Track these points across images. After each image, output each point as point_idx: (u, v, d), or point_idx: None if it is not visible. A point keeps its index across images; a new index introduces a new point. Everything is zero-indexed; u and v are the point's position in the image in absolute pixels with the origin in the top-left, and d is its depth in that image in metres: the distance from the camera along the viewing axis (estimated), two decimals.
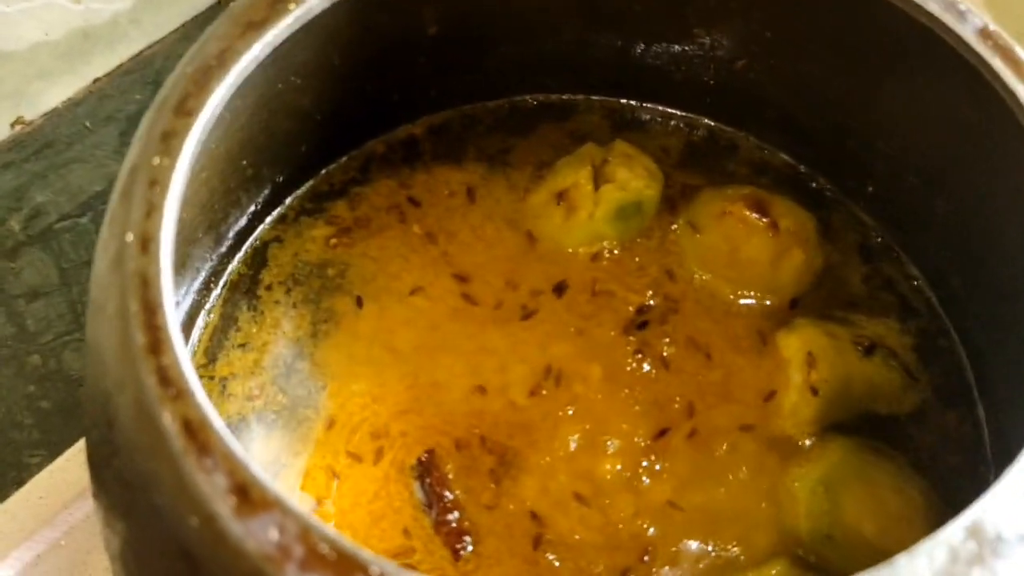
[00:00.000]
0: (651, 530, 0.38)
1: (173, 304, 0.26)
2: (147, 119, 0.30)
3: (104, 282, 0.27)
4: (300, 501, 0.37)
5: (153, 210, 0.27)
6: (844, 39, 0.39)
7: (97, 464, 0.28)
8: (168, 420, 0.24)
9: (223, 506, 0.23)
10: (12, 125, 0.65)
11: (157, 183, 0.27)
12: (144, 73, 0.70)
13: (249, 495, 0.23)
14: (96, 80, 0.71)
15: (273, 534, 0.23)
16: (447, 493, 0.37)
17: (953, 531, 0.23)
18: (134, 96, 0.69)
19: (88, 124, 0.69)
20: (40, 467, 0.49)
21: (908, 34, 0.34)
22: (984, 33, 0.31)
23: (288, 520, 0.23)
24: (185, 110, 0.29)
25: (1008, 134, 0.31)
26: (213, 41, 0.31)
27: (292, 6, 0.32)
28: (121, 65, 0.71)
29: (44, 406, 0.54)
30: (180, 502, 0.24)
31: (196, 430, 0.24)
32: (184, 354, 0.25)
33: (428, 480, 0.38)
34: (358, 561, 0.23)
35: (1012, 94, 0.30)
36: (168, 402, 0.24)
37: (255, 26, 0.31)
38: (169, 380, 0.24)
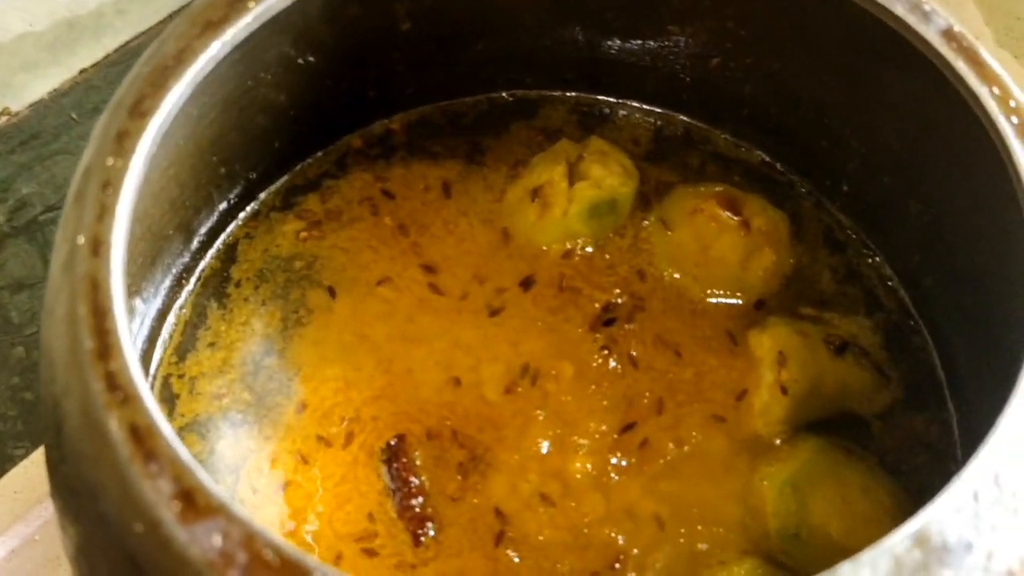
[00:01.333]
0: (621, 535, 0.38)
1: (124, 308, 0.26)
2: (102, 120, 0.30)
3: (55, 285, 0.27)
4: (268, 483, 0.37)
5: (105, 212, 0.27)
6: (815, 38, 0.39)
7: (50, 469, 0.28)
8: (115, 426, 0.24)
9: (167, 512, 0.23)
10: None
11: (110, 185, 0.27)
12: (131, 64, 0.70)
13: (194, 501, 0.23)
14: (82, 71, 0.71)
15: (217, 540, 0.23)
16: (413, 479, 0.37)
17: (898, 539, 0.23)
18: None
19: (74, 115, 0.69)
20: (24, 458, 0.49)
21: (876, 35, 0.34)
22: (948, 34, 0.31)
23: (232, 526, 0.23)
24: (140, 111, 0.29)
25: (973, 135, 0.31)
26: (171, 41, 0.30)
27: (252, 4, 0.31)
28: (107, 56, 0.71)
29: (28, 397, 0.54)
30: (125, 508, 0.23)
31: (143, 436, 0.24)
32: (133, 359, 0.25)
33: (395, 465, 0.38)
34: (302, 567, 0.23)
35: (975, 96, 0.30)
36: (115, 407, 0.24)
37: (214, 25, 0.31)
38: (117, 385, 0.24)
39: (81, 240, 0.26)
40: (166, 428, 0.24)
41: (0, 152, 0.63)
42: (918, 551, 0.23)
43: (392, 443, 0.38)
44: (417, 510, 0.36)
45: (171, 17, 0.72)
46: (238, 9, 0.31)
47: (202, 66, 0.30)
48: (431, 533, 0.36)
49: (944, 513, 0.24)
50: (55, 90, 0.69)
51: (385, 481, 0.37)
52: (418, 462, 0.38)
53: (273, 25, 0.34)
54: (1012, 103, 0.29)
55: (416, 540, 0.36)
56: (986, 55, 0.31)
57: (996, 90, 0.30)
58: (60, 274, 0.27)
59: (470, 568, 0.35)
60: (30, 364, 0.57)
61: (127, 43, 0.72)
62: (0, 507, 0.47)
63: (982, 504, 0.24)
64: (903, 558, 0.23)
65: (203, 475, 0.24)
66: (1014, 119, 0.29)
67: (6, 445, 0.53)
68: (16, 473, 0.49)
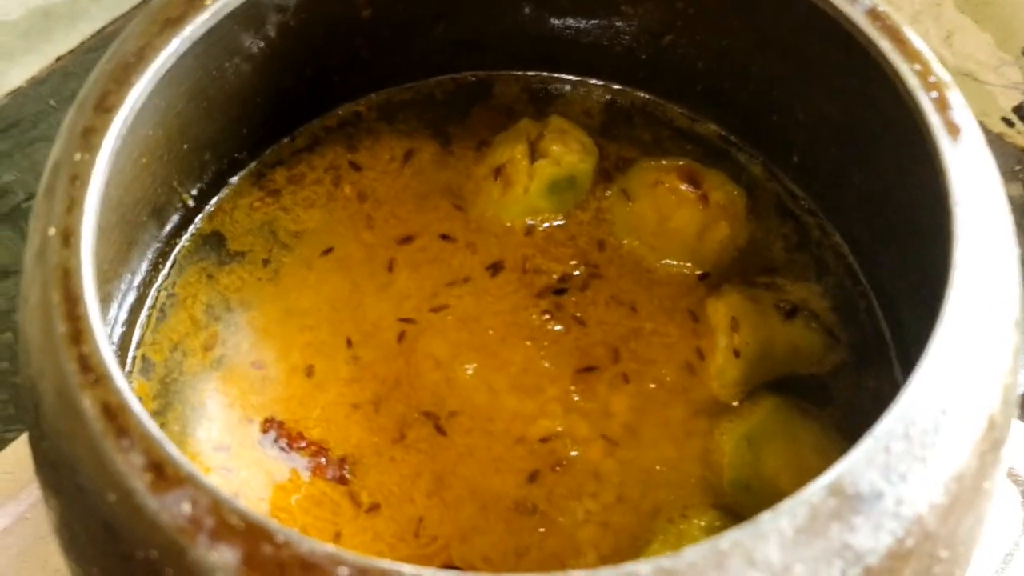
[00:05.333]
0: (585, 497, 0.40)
1: (95, 295, 0.27)
2: (69, 116, 0.31)
3: (29, 274, 0.28)
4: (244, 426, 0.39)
5: (74, 205, 0.28)
6: (757, 16, 0.40)
7: (33, 447, 0.30)
8: (88, 404, 0.26)
9: (139, 483, 0.25)
10: None
11: (78, 178, 0.29)
12: (107, 50, 0.71)
13: (164, 472, 0.25)
14: (59, 58, 0.71)
15: (186, 508, 0.25)
16: (303, 444, 0.39)
17: (814, 490, 0.25)
18: None
19: (52, 102, 0.69)
20: (16, 441, 0.50)
21: (810, 14, 0.35)
22: (873, 14, 0.32)
23: (200, 494, 0.25)
24: (105, 106, 0.30)
25: (898, 108, 0.33)
26: (132, 39, 0.32)
27: (208, 1, 0.33)
28: (83, 43, 0.71)
29: (18, 381, 0.56)
30: (100, 480, 0.25)
31: (115, 413, 0.26)
32: (104, 342, 0.27)
33: (284, 443, 0.39)
34: (265, 530, 0.25)
35: (897, 72, 0.32)
36: (88, 388, 0.26)
37: (173, 22, 0.32)
38: (89, 367, 0.26)
39: (52, 232, 0.28)
40: (136, 406, 0.26)
41: None
42: (833, 500, 0.25)
43: (265, 429, 0.40)
44: (324, 462, 0.38)
45: (147, 1, 0.73)
46: (196, 6, 0.33)
47: (163, 61, 0.32)
48: (348, 474, 0.38)
49: (857, 465, 0.26)
50: (32, 78, 0.70)
51: (286, 464, 0.39)
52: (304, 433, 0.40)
53: (232, 18, 0.35)
54: (932, 79, 0.31)
55: (343, 482, 0.38)
56: (909, 33, 0.32)
57: (917, 67, 0.31)
58: (33, 264, 0.28)
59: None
60: None
61: (102, 29, 0.72)
62: None
63: (893, 456, 0.26)
64: (819, 506, 0.25)
65: (172, 448, 0.25)
66: (933, 94, 0.31)
67: None
68: (7, 454, 0.50)
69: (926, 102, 0.31)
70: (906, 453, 0.26)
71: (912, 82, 0.31)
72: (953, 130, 0.30)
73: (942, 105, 0.31)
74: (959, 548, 0.27)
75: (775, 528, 0.25)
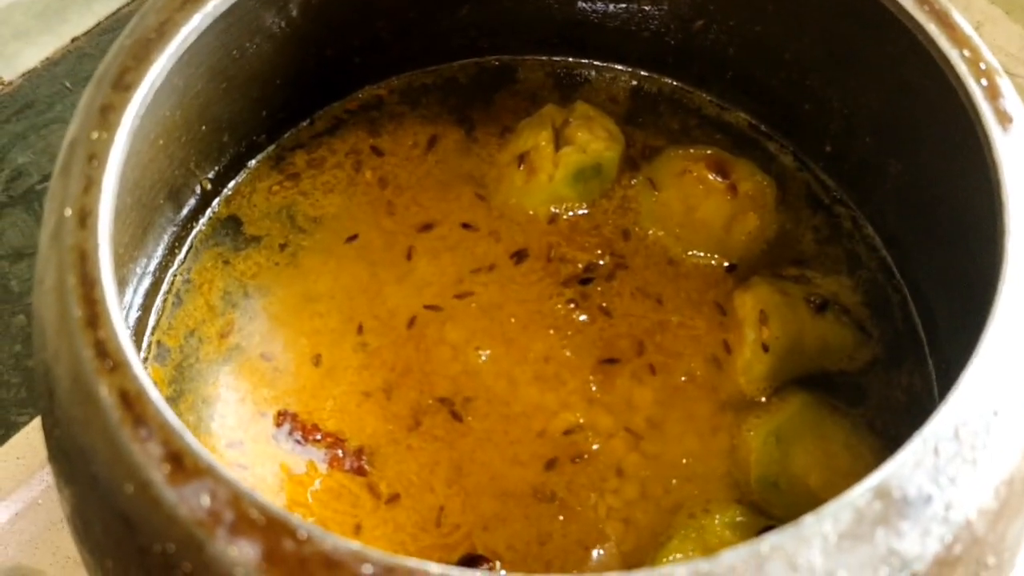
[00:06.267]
0: (607, 492, 0.39)
1: (112, 278, 0.27)
2: (87, 93, 0.30)
3: (45, 256, 0.27)
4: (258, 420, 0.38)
5: (91, 185, 0.27)
6: (795, 1, 0.39)
7: (46, 433, 0.29)
8: (104, 392, 0.25)
9: (157, 474, 0.24)
10: None
11: (95, 157, 0.28)
12: (123, 31, 0.70)
13: (183, 463, 0.24)
14: (74, 39, 0.70)
15: (205, 500, 0.24)
16: (318, 436, 0.38)
17: (859, 492, 0.24)
18: None
19: (68, 84, 0.69)
20: (28, 424, 0.50)
21: None
22: None
23: (220, 487, 0.24)
24: (123, 84, 0.29)
25: (945, 96, 0.32)
26: (152, 14, 0.31)
27: None
28: (99, 24, 0.71)
29: (31, 365, 0.55)
30: (116, 470, 0.24)
31: (132, 401, 0.25)
32: (121, 326, 0.26)
33: (299, 435, 0.38)
34: (287, 525, 0.24)
35: (946, 59, 0.30)
36: (105, 374, 0.25)
37: None
38: (106, 353, 0.25)
39: (68, 212, 0.27)
40: (155, 393, 0.25)
41: None
42: (879, 503, 0.24)
43: (280, 423, 0.39)
44: (341, 455, 0.37)
45: None
46: None
47: (184, 38, 0.31)
48: (366, 465, 0.37)
49: (905, 467, 0.25)
50: (47, 59, 0.69)
51: (303, 457, 0.38)
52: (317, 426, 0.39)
53: None
54: (982, 65, 0.30)
55: (362, 473, 0.37)
56: (957, 18, 0.31)
57: (967, 52, 0.30)
58: (49, 245, 0.27)
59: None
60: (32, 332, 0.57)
61: (118, 10, 0.72)
62: (5, 472, 0.47)
63: (942, 458, 0.25)
64: (864, 510, 0.24)
65: (191, 438, 0.25)
66: (984, 81, 0.30)
67: (10, 412, 0.53)
68: (20, 439, 0.49)
69: (976, 90, 0.29)
70: (956, 455, 0.25)
71: (961, 69, 0.30)
72: (1004, 119, 0.29)
73: (993, 93, 0.29)
74: (1005, 555, 0.26)
75: (818, 532, 0.24)
